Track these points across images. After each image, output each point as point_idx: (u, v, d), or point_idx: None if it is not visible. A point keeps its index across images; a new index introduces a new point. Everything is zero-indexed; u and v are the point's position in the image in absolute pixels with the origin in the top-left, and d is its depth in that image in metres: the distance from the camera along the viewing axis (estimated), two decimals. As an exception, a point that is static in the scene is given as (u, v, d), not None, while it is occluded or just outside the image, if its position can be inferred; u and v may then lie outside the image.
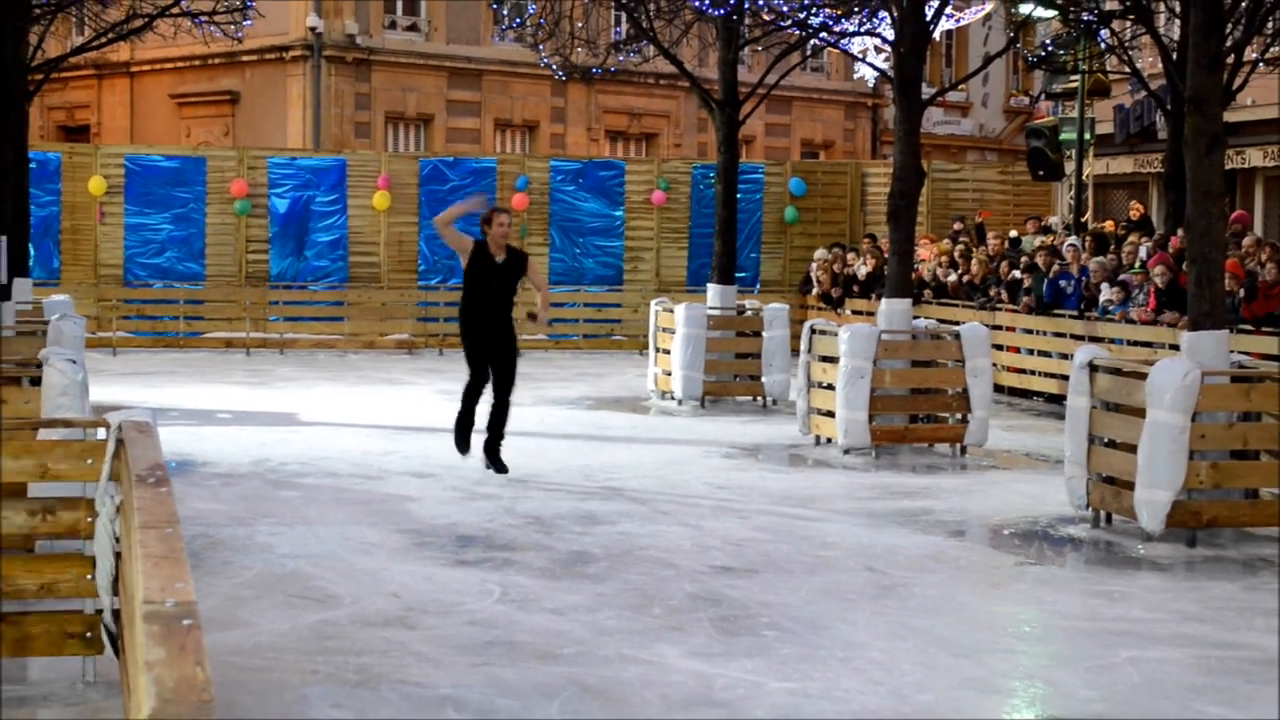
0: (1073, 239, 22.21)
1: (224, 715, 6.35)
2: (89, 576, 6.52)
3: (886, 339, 14.88)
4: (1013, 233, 24.65)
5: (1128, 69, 23.41)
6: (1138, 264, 19.79)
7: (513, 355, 12.84)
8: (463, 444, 12.89)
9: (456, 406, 12.97)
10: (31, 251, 20.52)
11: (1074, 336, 18.54)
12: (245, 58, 32.29)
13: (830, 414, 14.87)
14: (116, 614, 6.34)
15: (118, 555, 6.25)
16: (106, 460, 6.39)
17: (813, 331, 15.63)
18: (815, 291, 25.95)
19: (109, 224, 26.24)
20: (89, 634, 6.59)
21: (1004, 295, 21.22)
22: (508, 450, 12.96)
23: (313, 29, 32.10)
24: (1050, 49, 25.32)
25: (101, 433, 6.57)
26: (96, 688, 6.64)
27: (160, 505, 4.93)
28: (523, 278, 12.89)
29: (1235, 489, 10.89)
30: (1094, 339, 17.82)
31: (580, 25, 22.87)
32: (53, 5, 17.37)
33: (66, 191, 26.11)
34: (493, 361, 12.74)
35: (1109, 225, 25.10)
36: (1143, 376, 10.62)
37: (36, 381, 8.70)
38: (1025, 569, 10.04)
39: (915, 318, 15.74)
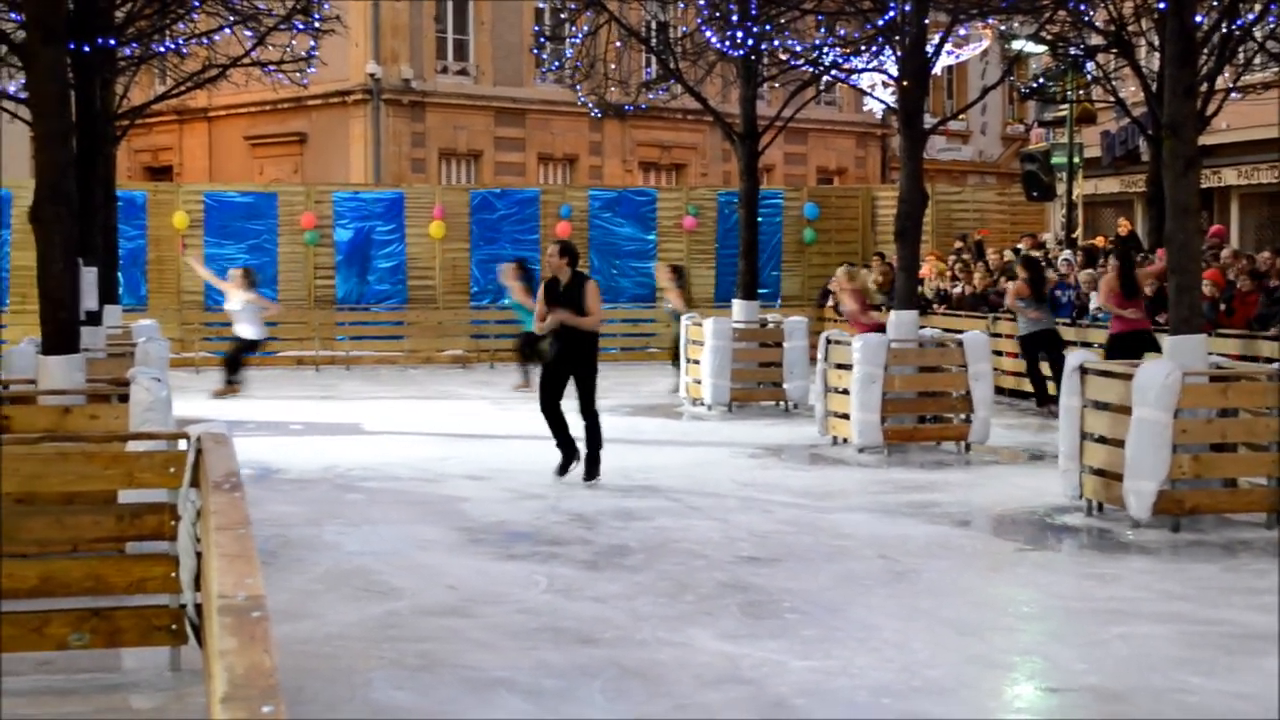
0: (1066, 253, 22.10)
1: (296, 699, 6.37)
2: (173, 574, 6.54)
3: (896, 347, 14.84)
4: (1018, 245, 24.59)
5: (1112, 98, 23.28)
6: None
7: (589, 371, 12.55)
8: (564, 459, 12.70)
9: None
10: (120, 280, 20.62)
11: (1067, 342, 18.42)
12: (311, 102, 32.36)
13: (846, 416, 14.83)
14: (199, 608, 6.36)
15: (199, 554, 6.26)
16: (187, 469, 6.40)
17: (829, 341, 15.60)
18: (831, 305, 25.85)
19: (190, 255, 26.35)
20: (174, 626, 6.61)
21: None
22: (547, 456, 12.91)
23: (372, 75, 32.19)
24: (1041, 81, 25.23)
25: (183, 444, 6.59)
26: (182, 675, 6.65)
27: (234, 509, 4.95)
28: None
29: (1215, 479, 10.84)
30: (1085, 344, 17.72)
31: (614, 67, 22.83)
32: (136, 58, 17.44)
33: (152, 226, 26.15)
34: (572, 375, 12.57)
35: (1099, 240, 24.98)
36: (1129, 378, 10.58)
37: (125, 398, 8.74)
38: (1024, 554, 10.00)
39: (922, 327, 15.68)
